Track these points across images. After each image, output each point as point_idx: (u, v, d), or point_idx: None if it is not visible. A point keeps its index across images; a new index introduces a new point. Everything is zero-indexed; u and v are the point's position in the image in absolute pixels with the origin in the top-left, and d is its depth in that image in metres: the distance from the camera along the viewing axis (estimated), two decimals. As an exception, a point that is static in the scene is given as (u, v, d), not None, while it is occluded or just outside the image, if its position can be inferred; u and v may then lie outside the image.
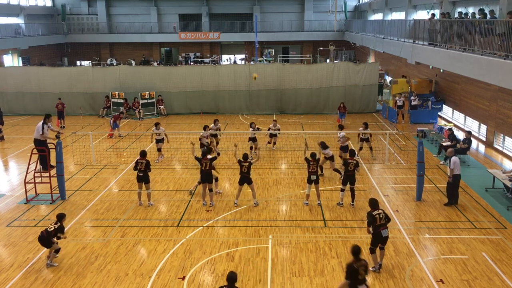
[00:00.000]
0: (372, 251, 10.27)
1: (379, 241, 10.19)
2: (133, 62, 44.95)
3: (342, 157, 17.00)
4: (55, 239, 10.63)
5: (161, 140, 18.49)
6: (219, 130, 19.51)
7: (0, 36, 35.22)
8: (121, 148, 20.86)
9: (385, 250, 10.52)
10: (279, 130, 19.78)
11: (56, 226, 10.66)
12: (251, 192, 14.00)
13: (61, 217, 10.89)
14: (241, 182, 13.69)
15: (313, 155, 13.73)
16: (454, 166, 13.44)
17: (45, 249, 10.99)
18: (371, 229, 10.13)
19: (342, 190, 13.78)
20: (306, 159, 13.78)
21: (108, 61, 45.13)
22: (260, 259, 10.87)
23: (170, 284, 9.92)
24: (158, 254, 11.17)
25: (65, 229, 12.05)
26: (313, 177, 13.49)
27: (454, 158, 13.54)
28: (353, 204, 13.80)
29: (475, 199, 14.36)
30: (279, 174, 16.88)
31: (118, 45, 49.85)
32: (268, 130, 19.93)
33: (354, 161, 13.48)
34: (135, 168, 13.76)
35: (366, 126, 18.13)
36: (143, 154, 13.87)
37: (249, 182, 13.64)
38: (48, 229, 10.62)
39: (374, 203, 10.26)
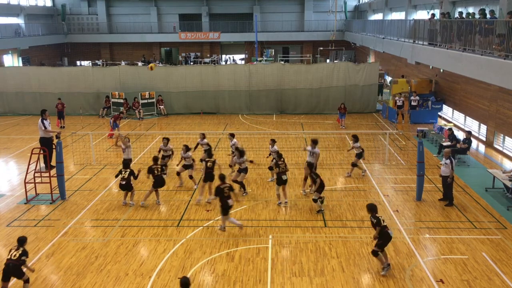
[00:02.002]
0: (376, 254, 10.20)
1: (387, 242, 10.20)
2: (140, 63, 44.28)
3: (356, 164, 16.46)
4: (23, 267, 9.43)
5: (169, 156, 16.57)
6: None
7: (0, 36, 35.27)
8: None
9: (385, 250, 10.48)
10: (172, 152, 16.50)
11: (20, 251, 9.41)
12: (252, 191, 14.13)
13: (22, 241, 9.62)
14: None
15: (279, 155, 14.13)
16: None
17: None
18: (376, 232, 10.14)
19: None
20: (275, 163, 14.02)
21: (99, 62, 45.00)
22: (260, 259, 10.87)
23: (170, 284, 9.92)
24: (158, 254, 11.17)
25: (65, 229, 12.10)
26: (284, 178, 13.73)
27: (451, 159, 13.58)
28: (304, 192, 14.68)
29: (475, 199, 14.36)
30: (279, 174, 16.85)
31: (118, 45, 49.91)
32: (159, 151, 16.49)
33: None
34: (116, 176, 14.06)
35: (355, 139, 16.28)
36: (126, 165, 14.27)
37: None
38: (12, 257, 9.31)
39: (373, 208, 10.35)
